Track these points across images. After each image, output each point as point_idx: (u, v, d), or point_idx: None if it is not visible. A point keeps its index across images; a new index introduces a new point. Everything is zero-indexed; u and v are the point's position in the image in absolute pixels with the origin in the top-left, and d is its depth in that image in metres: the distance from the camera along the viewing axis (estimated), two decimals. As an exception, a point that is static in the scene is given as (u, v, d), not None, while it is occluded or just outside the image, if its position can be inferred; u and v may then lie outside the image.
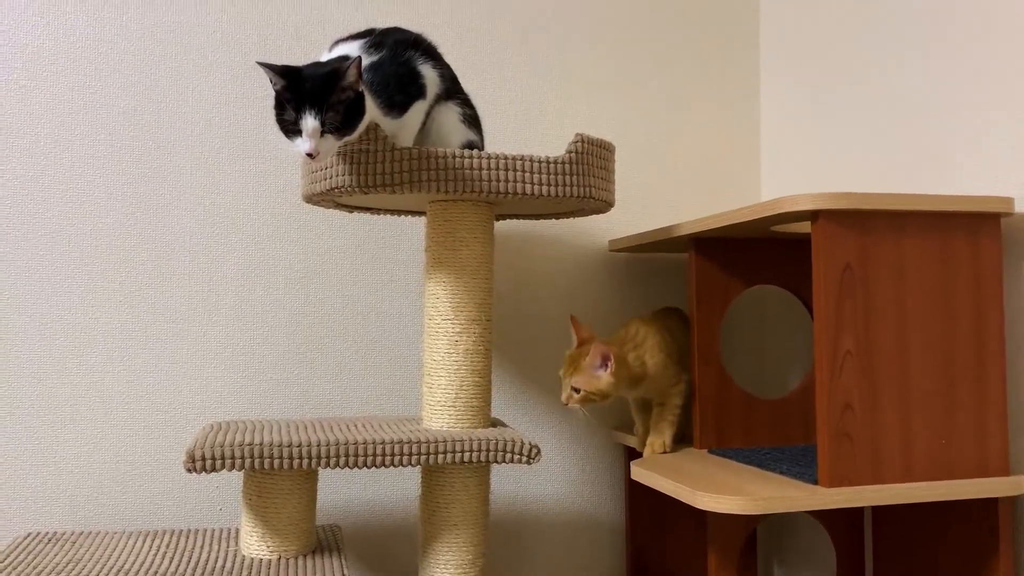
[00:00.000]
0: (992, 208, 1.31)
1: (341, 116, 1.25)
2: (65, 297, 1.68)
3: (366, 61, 1.33)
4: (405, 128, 1.39)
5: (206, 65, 1.75)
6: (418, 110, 1.40)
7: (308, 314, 1.79)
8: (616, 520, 1.92)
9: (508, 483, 1.87)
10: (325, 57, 1.38)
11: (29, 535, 1.55)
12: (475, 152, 1.39)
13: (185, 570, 1.37)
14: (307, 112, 1.24)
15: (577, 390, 1.50)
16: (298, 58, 1.78)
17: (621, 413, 1.89)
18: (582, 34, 1.95)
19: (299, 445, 1.36)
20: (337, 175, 1.37)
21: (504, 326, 1.80)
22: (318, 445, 1.36)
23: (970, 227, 1.30)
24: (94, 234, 1.70)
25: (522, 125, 1.90)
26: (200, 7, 1.76)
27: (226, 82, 1.76)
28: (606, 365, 1.49)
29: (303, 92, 1.25)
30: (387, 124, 1.36)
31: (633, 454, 1.73)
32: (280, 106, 1.27)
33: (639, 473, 1.45)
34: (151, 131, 1.73)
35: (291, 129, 1.26)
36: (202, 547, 1.50)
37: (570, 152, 1.42)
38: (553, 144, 1.66)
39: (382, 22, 1.48)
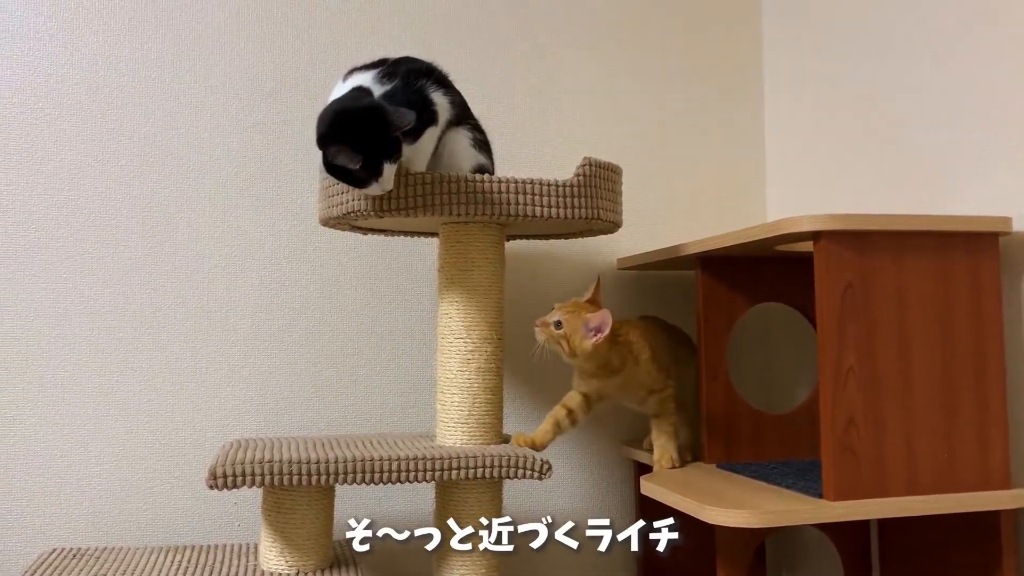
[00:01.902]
0: (990, 228, 1.34)
1: (396, 150, 1.33)
2: (86, 318, 1.73)
3: (380, 91, 1.38)
4: (418, 154, 1.43)
5: (223, 93, 1.80)
6: (430, 136, 1.44)
7: (324, 334, 1.83)
8: (627, 534, 1.94)
9: (520, 498, 1.89)
10: (339, 86, 1.42)
11: (54, 551, 1.59)
12: (486, 176, 1.42)
13: (206, 584, 1.41)
14: (383, 162, 1.31)
15: (559, 325, 1.50)
16: (311, 84, 1.83)
17: (631, 429, 1.92)
18: (590, 59, 1.99)
19: (317, 462, 1.39)
20: (353, 200, 1.41)
21: (515, 344, 1.82)
22: (335, 462, 1.40)
23: (969, 246, 1.33)
24: (116, 257, 1.75)
25: (532, 148, 1.94)
26: (217, 37, 1.81)
27: (242, 109, 1.81)
28: (596, 334, 1.49)
29: (375, 149, 1.31)
30: (401, 150, 1.39)
31: (643, 469, 1.76)
32: (350, 165, 1.32)
33: (649, 488, 1.47)
34: (171, 158, 1.78)
35: (366, 180, 1.33)
36: (222, 562, 1.53)
37: (578, 175, 1.46)
38: (562, 167, 1.69)
39: (394, 50, 1.52)
